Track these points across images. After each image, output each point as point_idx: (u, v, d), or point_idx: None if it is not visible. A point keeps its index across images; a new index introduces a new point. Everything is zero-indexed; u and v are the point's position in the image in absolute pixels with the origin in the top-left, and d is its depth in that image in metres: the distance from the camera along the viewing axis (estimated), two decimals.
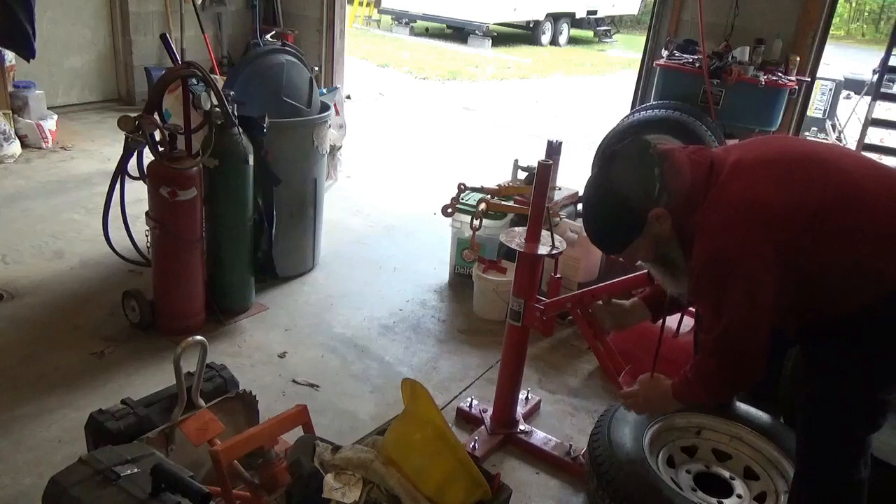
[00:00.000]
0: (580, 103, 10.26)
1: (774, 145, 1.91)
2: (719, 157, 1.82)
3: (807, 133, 7.14)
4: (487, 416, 2.70)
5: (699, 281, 1.80)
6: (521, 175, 3.76)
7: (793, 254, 1.70)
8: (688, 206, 1.77)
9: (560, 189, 3.66)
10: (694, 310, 2.34)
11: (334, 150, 4.97)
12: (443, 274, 4.00)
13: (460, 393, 2.95)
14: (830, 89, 7.62)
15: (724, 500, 2.18)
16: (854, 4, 21.71)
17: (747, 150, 1.87)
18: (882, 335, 1.78)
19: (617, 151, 1.94)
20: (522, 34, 15.99)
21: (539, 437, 2.64)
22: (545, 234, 2.45)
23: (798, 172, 1.75)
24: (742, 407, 2.40)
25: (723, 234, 1.72)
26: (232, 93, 3.06)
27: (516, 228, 2.60)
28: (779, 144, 1.91)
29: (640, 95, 5.33)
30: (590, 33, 17.86)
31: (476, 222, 3.11)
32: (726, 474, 2.28)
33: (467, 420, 2.75)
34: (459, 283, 3.87)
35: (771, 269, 1.69)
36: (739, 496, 2.20)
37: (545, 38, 15.92)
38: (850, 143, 6.87)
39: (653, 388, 2.09)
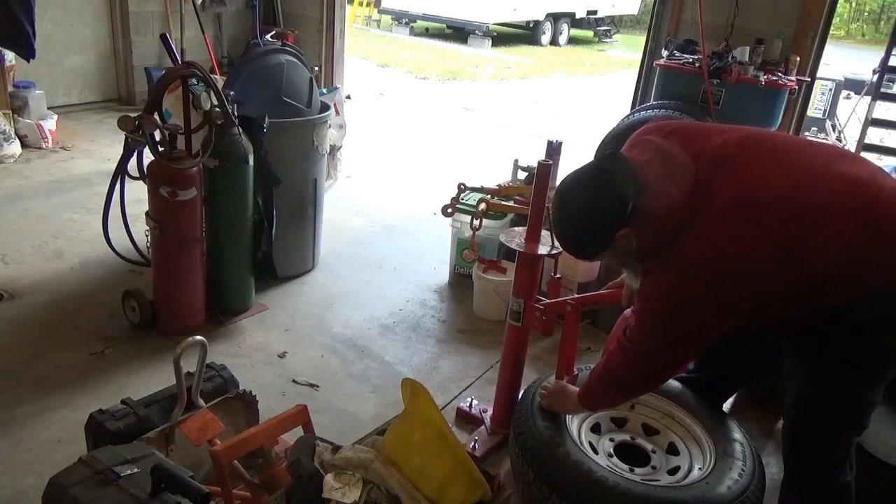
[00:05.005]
0: (580, 103, 10.25)
1: (766, 171, 1.74)
2: (704, 175, 1.72)
3: (807, 133, 7.13)
4: (487, 416, 2.70)
5: (652, 302, 1.82)
6: (521, 175, 3.75)
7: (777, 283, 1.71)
8: (663, 228, 1.73)
9: None
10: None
11: (334, 150, 4.97)
12: (443, 274, 4.00)
13: (460, 393, 2.95)
14: (830, 89, 7.62)
15: (637, 469, 2.20)
16: (854, 4, 21.70)
17: (736, 174, 1.73)
18: (869, 334, 1.77)
19: (594, 168, 1.88)
20: (522, 34, 15.99)
21: None
22: (545, 234, 2.45)
23: (776, 210, 1.68)
24: (675, 385, 2.42)
25: (693, 280, 1.71)
26: (232, 93, 3.06)
27: (516, 228, 2.60)
28: (770, 169, 1.75)
29: (640, 95, 5.33)
30: (590, 33, 17.87)
31: (476, 222, 3.11)
32: (648, 447, 2.32)
33: (467, 420, 2.75)
34: (459, 283, 3.87)
35: (724, 320, 1.77)
36: (654, 467, 2.23)
37: (545, 38, 15.93)
38: (850, 143, 6.86)
39: (562, 389, 2.27)
